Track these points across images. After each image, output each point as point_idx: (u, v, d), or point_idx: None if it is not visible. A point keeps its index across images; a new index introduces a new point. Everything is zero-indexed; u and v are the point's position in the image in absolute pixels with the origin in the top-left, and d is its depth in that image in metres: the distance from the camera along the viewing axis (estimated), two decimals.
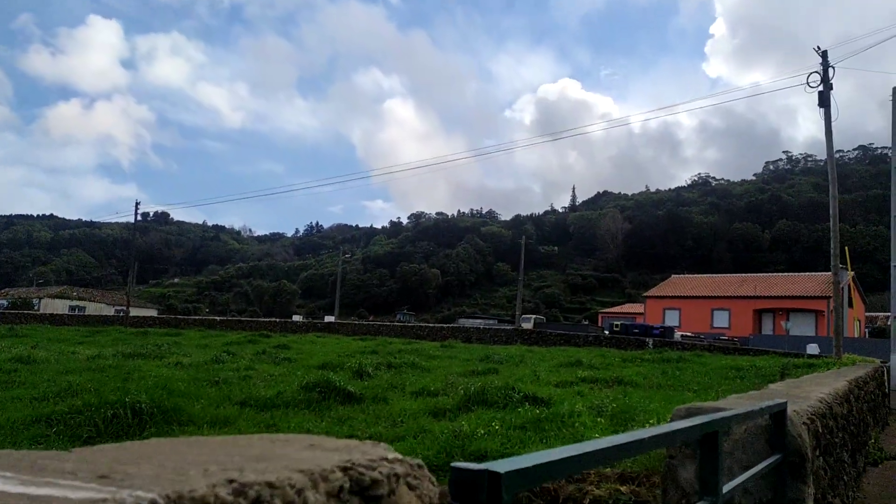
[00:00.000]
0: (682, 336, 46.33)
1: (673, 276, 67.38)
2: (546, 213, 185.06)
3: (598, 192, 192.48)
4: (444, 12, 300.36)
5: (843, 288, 55.35)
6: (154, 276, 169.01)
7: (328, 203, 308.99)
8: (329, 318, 57.33)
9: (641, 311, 63.22)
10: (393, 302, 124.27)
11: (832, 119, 19.99)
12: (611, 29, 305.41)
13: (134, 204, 56.33)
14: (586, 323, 79.20)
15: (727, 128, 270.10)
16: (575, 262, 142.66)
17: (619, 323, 47.69)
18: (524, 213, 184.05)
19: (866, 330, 62.72)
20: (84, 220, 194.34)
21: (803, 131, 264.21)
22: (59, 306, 63.68)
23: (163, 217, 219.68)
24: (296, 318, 57.96)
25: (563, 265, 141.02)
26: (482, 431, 6.64)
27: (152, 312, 68.19)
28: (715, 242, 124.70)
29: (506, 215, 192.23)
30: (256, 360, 16.66)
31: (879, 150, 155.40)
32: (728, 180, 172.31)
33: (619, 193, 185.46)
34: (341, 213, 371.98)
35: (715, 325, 57.68)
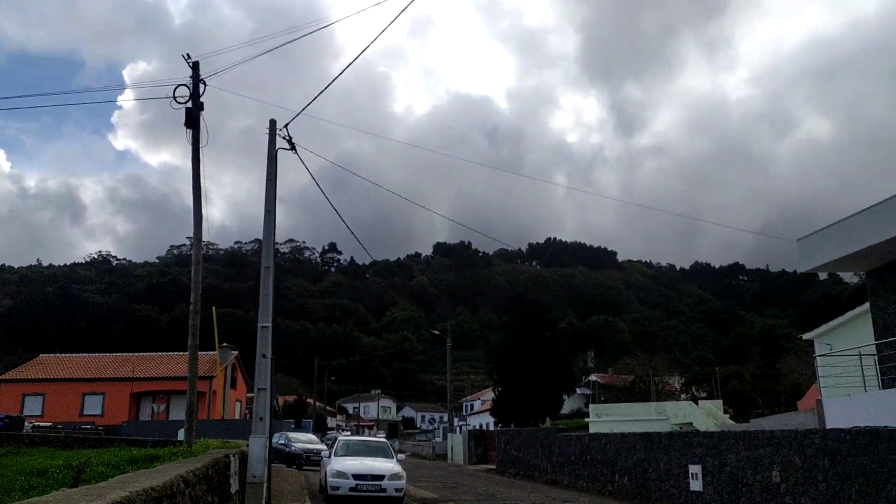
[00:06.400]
0: (32, 427, 37.23)
1: (41, 355, 55.99)
2: None
3: None
4: None
5: (227, 367, 53.61)
6: None
7: None
8: None
9: None
10: None
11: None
12: None
13: None
14: None
15: (136, 201, 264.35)
16: None
17: None
18: None
19: (247, 411, 62.26)
20: None
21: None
22: None
23: None
24: None
25: None
26: None
27: None
28: (112, 323, 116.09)
29: None
30: None
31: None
32: (130, 261, 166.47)
33: (5, 266, 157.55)
34: None
35: (87, 413, 49.00)
